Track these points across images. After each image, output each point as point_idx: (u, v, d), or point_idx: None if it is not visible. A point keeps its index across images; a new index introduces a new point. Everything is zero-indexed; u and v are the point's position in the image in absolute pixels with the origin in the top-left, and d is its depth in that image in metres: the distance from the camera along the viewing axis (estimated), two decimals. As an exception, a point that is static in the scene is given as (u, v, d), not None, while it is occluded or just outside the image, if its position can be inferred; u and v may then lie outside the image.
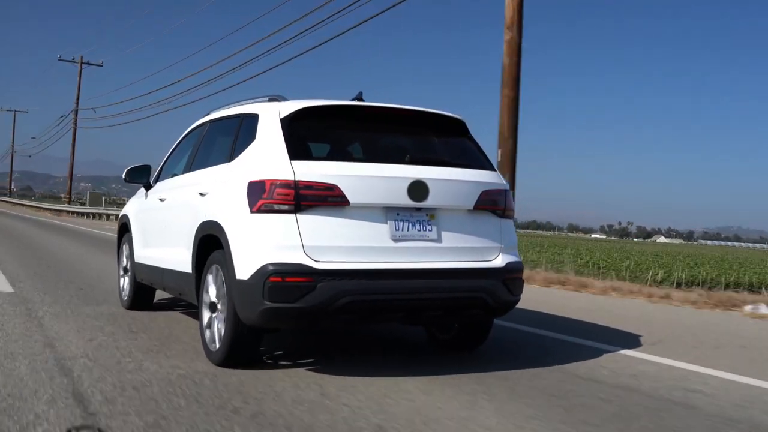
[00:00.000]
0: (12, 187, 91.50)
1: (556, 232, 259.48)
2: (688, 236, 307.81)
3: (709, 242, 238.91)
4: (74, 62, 47.85)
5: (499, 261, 4.53)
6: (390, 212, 4.23)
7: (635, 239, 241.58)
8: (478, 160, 4.75)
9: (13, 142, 78.16)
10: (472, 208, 4.49)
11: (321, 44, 17.12)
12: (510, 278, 4.54)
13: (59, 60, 47.91)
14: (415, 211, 4.30)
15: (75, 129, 46.95)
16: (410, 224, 4.28)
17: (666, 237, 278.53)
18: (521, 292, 4.71)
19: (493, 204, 4.59)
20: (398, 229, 4.24)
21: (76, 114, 46.69)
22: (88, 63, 48.61)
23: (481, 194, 4.52)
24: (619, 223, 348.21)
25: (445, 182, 4.39)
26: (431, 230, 4.34)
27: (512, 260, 4.62)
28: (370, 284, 4.08)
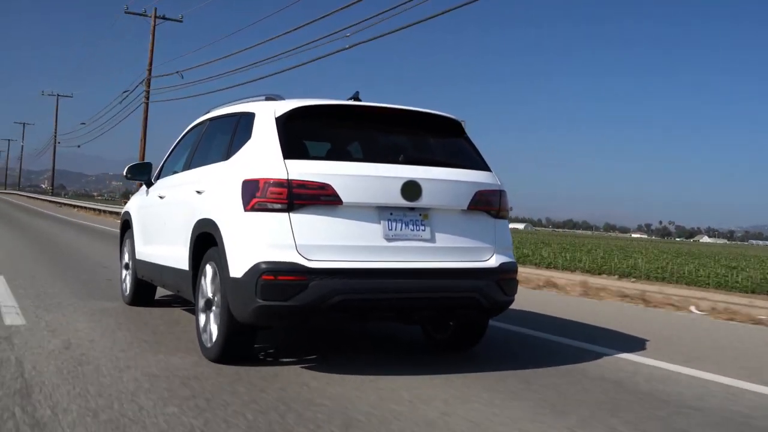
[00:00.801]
0: (46, 186, 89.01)
1: (594, 232, 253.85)
2: (729, 235, 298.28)
3: (757, 242, 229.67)
4: (145, 15, 34.27)
5: (493, 261, 4.55)
6: (383, 212, 4.25)
7: (677, 239, 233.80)
8: (473, 161, 4.76)
9: (56, 132, 72.19)
10: (466, 208, 4.50)
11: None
12: (504, 279, 4.55)
13: (126, 12, 34.26)
14: (408, 210, 4.32)
15: (147, 103, 33.02)
16: (403, 224, 4.30)
17: (709, 237, 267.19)
18: (515, 293, 4.72)
19: (487, 204, 4.60)
20: (391, 229, 4.26)
21: (149, 84, 33.10)
22: (164, 17, 34.63)
23: (475, 194, 4.53)
24: (660, 223, 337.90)
25: (438, 182, 4.40)
26: (424, 230, 4.35)
27: (506, 260, 4.62)
28: (363, 283, 4.10)
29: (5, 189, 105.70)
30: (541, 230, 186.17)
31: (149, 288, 6.58)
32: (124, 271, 6.92)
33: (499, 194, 4.69)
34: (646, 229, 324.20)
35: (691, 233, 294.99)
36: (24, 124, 79.75)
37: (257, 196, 4.11)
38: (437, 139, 4.90)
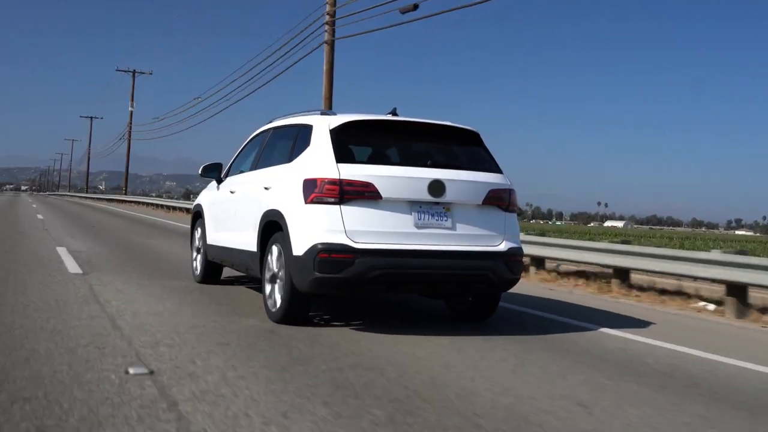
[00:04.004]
0: (103, 187, 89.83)
1: (684, 228, 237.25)
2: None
3: None
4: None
5: (503, 246, 5.63)
6: (414, 205, 5.37)
7: None
8: (488, 165, 5.85)
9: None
10: (480, 203, 5.59)
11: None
12: (511, 260, 5.64)
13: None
14: (434, 204, 5.42)
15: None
16: (430, 215, 5.41)
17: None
18: (521, 272, 5.82)
19: (498, 200, 5.69)
20: (420, 219, 5.37)
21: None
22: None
23: (488, 192, 5.62)
24: (764, 218, 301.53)
25: (459, 182, 5.50)
26: (447, 220, 5.46)
27: (513, 246, 5.71)
28: (397, 261, 5.23)
29: (68, 191, 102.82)
30: (639, 228, 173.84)
31: (217, 268, 7.79)
32: (195, 254, 8.15)
33: (509, 192, 5.77)
34: (735, 224, 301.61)
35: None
36: (92, 118, 78.25)
37: (315, 191, 5.26)
38: (459, 146, 6.00)
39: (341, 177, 5.24)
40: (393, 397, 3.59)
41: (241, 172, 7.15)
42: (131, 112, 51.78)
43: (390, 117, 5.87)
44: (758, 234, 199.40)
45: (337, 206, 5.22)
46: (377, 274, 5.16)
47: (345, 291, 5.47)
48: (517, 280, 5.80)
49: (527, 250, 8.77)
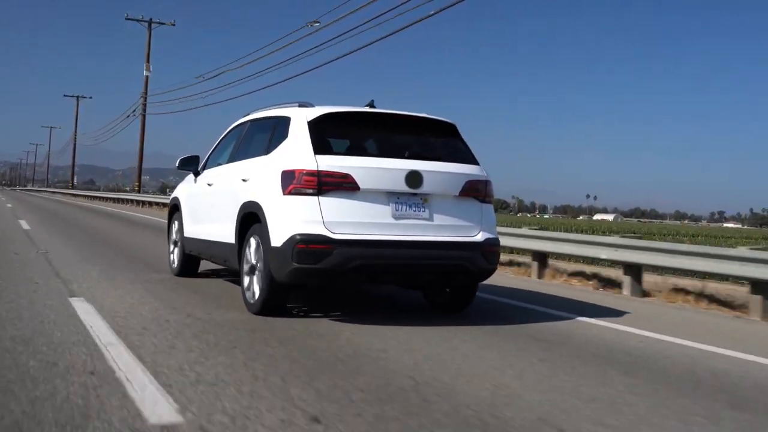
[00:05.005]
0: (75, 181, 77.55)
1: (670, 221, 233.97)
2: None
3: None
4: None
5: (480, 237, 5.69)
6: (391, 196, 5.41)
7: None
8: (465, 156, 5.90)
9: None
10: (458, 194, 5.64)
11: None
12: (487, 251, 5.70)
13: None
14: (411, 195, 5.47)
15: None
16: (407, 206, 5.45)
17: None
18: (497, 262, 5.89)
19: (475, 191, 5.74)
20: (398, 210, 5.41)
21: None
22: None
23: (465, 183, 5.67)
24: (751, 210, 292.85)
25: (436, 173, 5.55)
26: (424, 211, 5.50)
27: (490, 236, 5.77)
28: (376, 251, 5.27)
29: (33, 185, 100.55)
30: (629, 221, 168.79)
31: (195, 261, 7.78)
32: (172, 247, 8.12)
33: (485, 183, 5.83)
34: (720, 216, 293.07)
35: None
36: (78, 97, 67.93)
37: (293, 183, 5.28)
38: (436, 138, 6.06)
39: (319, 168, 5.26)
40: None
41: (219, 164, 7.13)
42: (147, 77, 36.71)
43: (367, 109, 5.91)
44: (746, 227, 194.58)
45: (315, 197, 5.24)
46: (355, 264, 5.20)
47: (323, 281, 5.50)
48: (494, 270, 5.87)
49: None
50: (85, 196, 52.24)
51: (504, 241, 9.63)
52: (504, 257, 11.23)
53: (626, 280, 8.84)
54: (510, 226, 12.34)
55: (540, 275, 10.12)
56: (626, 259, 8.79)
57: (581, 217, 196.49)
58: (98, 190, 72.90)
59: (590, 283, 9.54)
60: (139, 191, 41.26)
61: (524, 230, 11.14)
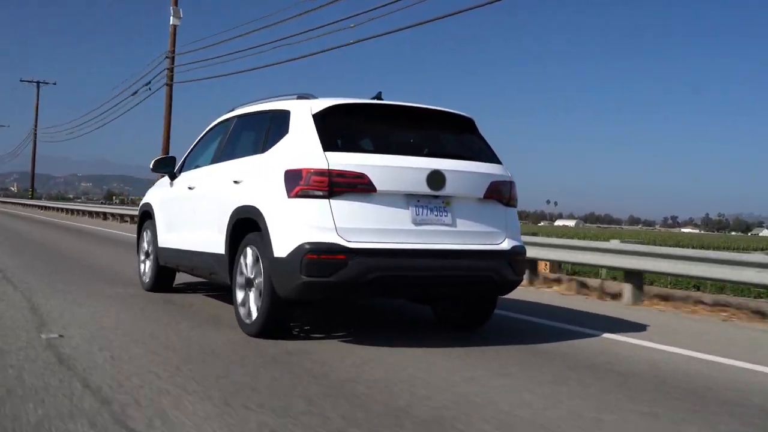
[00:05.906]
0: (15, 188, 73.99)
1: (625, 227, 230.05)
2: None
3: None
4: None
5: (506, 244, 5.07)
6: (411, 199, 4.75)
7: (732, 233, 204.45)
8: (487, 154, 5.28)
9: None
10: (482, 197, 5.02)
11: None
12: (515, 260, 5.08)
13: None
14: (433, 198, 4.82)
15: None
16: (429, 210, 4.80)
17: None
18: (524, 273, 5.27)
19: (499, 194, 5.12)
20: (418, 214, 4.76)
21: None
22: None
23: (489, 185, 5.05)
24: (706, 215, 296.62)
25: (459, 173, 4.91)
26: (447, 216, 4.86)
27: (516, 244, 5.16)
28: (395, 262, 4.59)
29: None
30: (589, 227, 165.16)
31: (170, 274, 6.96)
32: (143, 257, 7.27)
33: (509, 185, 5.22)
34: (673, 221, 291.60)
35: (748, 226, 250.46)
36: (38, 82, 56.88)
37: (300, 184, 4.57)
38: (454, 134, 5.41)
39: (330, 167, 4.57)
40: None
41: (198, 167, 6.36)
42: (174, 27, 24.74)
43: (377, 101, 5.24)
44: (703, 232, 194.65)
45: (326, 200, 4.55)
46: (374, 276, 4.52)
47: (335, 297, 4.81)
48: (520, 281, 5.27)
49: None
50: (56, 208, 39.34)
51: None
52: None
53: (627, 288, 8.36)
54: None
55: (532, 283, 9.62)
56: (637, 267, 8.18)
57: (542, 223, 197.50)
58: (40, 198, 68.31)
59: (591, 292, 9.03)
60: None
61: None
